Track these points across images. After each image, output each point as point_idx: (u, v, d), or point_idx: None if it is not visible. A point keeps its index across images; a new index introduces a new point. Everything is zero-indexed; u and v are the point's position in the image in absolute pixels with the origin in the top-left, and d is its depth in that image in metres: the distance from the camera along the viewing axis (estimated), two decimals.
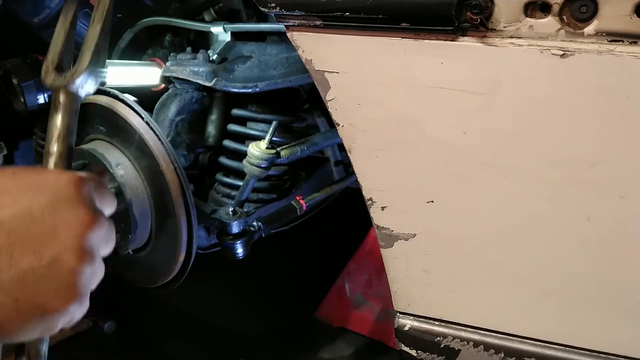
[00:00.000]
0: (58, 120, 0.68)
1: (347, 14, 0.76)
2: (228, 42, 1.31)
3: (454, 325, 0.95)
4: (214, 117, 1.48)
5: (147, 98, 1.38)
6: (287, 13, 0.80)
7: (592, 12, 0.66)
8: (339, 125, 0.87)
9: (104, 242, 0.59)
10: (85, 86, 0.71)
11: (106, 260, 0.60)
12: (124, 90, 1.30)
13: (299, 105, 1.49)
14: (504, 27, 0.71)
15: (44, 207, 0.54)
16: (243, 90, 1.30)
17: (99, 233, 0.57)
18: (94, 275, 0.57)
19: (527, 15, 0.70)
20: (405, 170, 0.86)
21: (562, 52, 0.69)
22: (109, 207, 0.63)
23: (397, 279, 0.96)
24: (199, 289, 1.82)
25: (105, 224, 0.59)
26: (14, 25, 1.09)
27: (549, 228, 0.81)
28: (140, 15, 1.39)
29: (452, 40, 0.74)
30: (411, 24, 0.74)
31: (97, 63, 0.73)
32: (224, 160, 1.42)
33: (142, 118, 1.22)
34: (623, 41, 0.66)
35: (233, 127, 1.41)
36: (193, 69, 1.28)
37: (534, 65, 0.71)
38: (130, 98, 1.26)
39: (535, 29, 0.70)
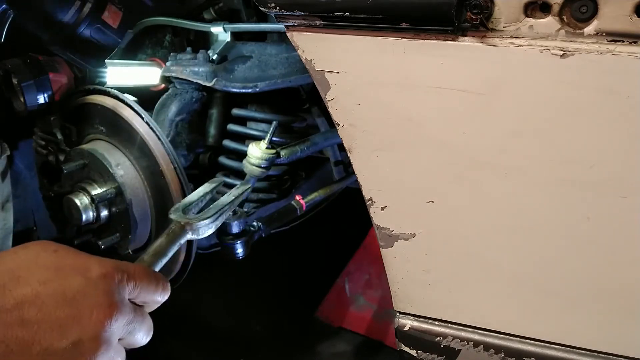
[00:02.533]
0: (163, 242, 0.77)
1: (347, 14, 0.76)
2: (228, 42, 1.31)
3: (454, 325, 0.95)
4: (214, 117, 1.47)
5: (147, 98, 1.38)
6: (287, 13, 0.80)
7: (592, 12, 0.66)
8: (339, 125, 0.87)
9: (127, 332, 0.62)
10: (198, 231, 0.83)
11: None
12: (124, 90, 1.30)
13: (299, 105, 1.49)
14: (504, 27, 0.71)
15: (76, 291, 0.57)
16: (243, 90, 1.30)
17: (120, 322, 0.59)
18: None
19: (527, 15, 0.70)
20: (405, 170, 0.86)
21: (562, 52, 0.69)
22: (152, 295, 0.66)
23: (397, 279, 0.96)
24: (199, 289, 1.82)
25: (130, 315, 0.61)
26: (21, 32, 1.08)
27: (549, 228, 0.81)
28: (140, 15, 1.39)
29: (452, 40, 0.74)
30: (411, 24, 0.74)
31: (215, 221, 0.85)
32: (224, 160, 1.42)
33: (142, 118, 1.22)
34: (623, 41, 0.66)
35: (233, 127, 1.41)
36: (193, 69, 1.28)
37: (534, 65, 0.71)
38: (130, 98, 1.26)
39: (535, 29, 0.70)
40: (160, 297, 0.67)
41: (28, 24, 0.92)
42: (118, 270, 0.62)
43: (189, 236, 0.81)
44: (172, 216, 0.82)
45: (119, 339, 0.61)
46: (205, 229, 0.83)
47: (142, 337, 0.64)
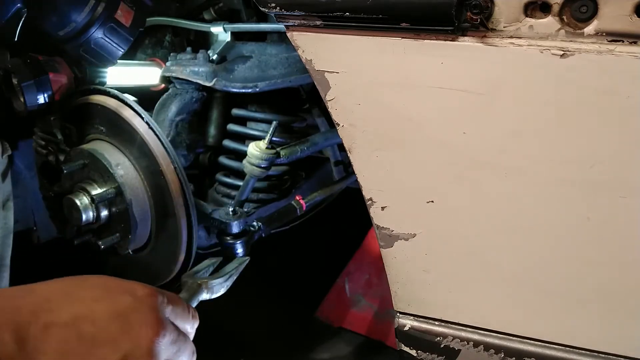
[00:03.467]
0: (185, 296, 0.82)
1: (347, 14, 0.76)
2: (228, 42, 1.31)
3: (454, 325, 0.95)
4: (214, 117, 1.48)
5: (147, 98, 1.38)
6: (287, 13, 0.80)
7: (592, 12, 0.66)
8: (339, 125, 0.87)
9: (173, 352, 0.63)
10: (212, 289, 0.89)
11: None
12: (124, 90, 1.30)
13: (299, 105, 1.49)
14: (504, 27, 0.71)
15: (126, 308, 0.60)
16: (243, 90, 1.30)
17: (167, 339, 0.62)
18: None
19: (527, 15, 0.70)
20: (405, 170, 0.86)
21: (562, 52, 0.69)
22: (185, 322, 0.68)
23: (397, 279, 0.96)
24: None
25: (174, 334, 0.63)
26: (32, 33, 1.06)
27: (549, 228, 0.81)
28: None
29: (452, 40, 0.74)
30: (411, 24, 0.74)
31: (226, 282, 0.92)
32: (224, 160, 1.42)
33: (142, 118, 1.22)
34: (623, 41, 0.66)
35: (233, 127, 1.41)
36: (193, 69, 1.28)
37: (534, 65, 0.71)
38: (130, 98, 1.26)
39: (535, 29, 0.70)
40: (191, 326, 0.69)
41: (42, 21, 0.92)
42: (159, 292, 0.65)
43: (205, 295, 0.88)
44: (186, 279, 0.89)
45: None
46: (219, 287, 0.92)
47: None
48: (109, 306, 0.59)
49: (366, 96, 0.83)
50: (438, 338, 0.96)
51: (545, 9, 0.69)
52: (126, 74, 1.40)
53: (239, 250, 1.29)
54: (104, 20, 0.91)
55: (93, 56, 1.00)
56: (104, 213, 1.25)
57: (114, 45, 0.98)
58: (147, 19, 1.39)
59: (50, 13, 0.89)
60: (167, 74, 1.34)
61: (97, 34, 0.93)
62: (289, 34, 0.84)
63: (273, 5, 0.80)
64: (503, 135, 0.77)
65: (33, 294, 0.58)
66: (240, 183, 1.31)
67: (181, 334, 0.65)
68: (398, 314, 0.99)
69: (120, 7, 0.93)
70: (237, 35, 1.33)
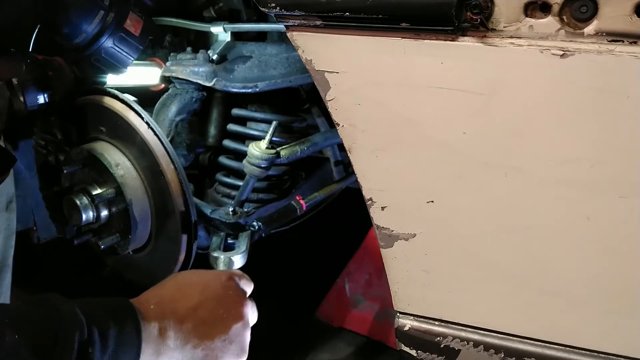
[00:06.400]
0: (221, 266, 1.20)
1: (347, 14, 0.76)
2: (228, 42, 1.31)
3: (454, 325, 0.95)
4: (214, 117, 1.48)
5: (147, 98, 1.38)
6: (287, 13, 0.80)
7: (592, 12, 0.66)
8: (339, 125, 0.87)
9: (251, 311, 0.87)
10: (239, 261, 1.21)
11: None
12: (124, 90, 1.30)
13: (299, 105, 1.49)
14: (504, 27, 0.71)
15: (221, 294, 0.83)
16: (243, 90, 1.30)
17: (249, 304, 0.86)
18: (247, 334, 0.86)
19: (527, 15, 0.70)
20: (405, 170, 0.86)
21: (562, 52, 0.69)
22: (248, 287, 0.91)
23: (397, 279, 0.96)
24: None
25: (248, 299, 0.87)
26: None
27: (549, 228, 0.81)
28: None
29: (452, 40, 0.74)
30: (411, 24, 0.74)
31: (245, 253, 1.22)
32: (224, 160, 1.42)
33: (142, 118, 1.22)
34: (623, 41, 0.66)
35: (233, 127, 1.41)
36: (193, 69, 1.28)
37: (534, 65, 0.71)
38: (130, 98, 1.26)
39: (535, 29, 0.70)
40: (250, 289, 0.91)
41: (54, 34, 0.95)
42: (232, 273, 0.89)
43: (235, 266, 1.18)
44: (216, 254, 1.19)
45: None
46: (243, 260, 1.21)
47: (256, 317, 0.89)
48: (212, 295, 0.81)
49: (366, 96, 0.83)
50: (438, 338, 0.96)
51: (545, 9, 0.69)
52: (126, 74, 1.40)
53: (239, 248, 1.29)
54: (114, 29, 0.95)
55: (104, 65, 1.04)
56: (104, 213, 1.25)
57: (124, 54, 1.01)
58: None
59: (62, 24, 0.92)
60: (167, 74, 1.34)
61: (107, 43, 0.97)
62: (289, 34, 0.84)
63: (273, 5, 0.80)
64: (503, 135, 0.77)
65: (162, 299, 0.78)
66: (240, 183, 1.31)
67: (251, 299, 0.88)
68: (398, 314, 0.99)
69: (130, 17, 0.97)
70: (237, 35, 1.33)
